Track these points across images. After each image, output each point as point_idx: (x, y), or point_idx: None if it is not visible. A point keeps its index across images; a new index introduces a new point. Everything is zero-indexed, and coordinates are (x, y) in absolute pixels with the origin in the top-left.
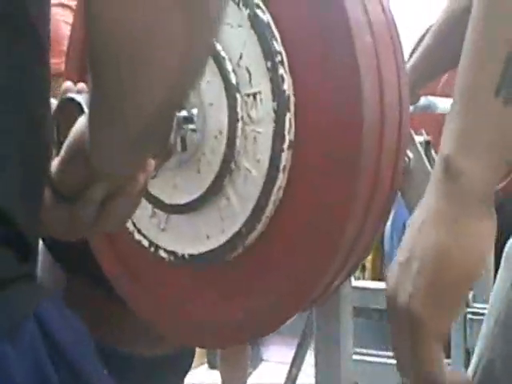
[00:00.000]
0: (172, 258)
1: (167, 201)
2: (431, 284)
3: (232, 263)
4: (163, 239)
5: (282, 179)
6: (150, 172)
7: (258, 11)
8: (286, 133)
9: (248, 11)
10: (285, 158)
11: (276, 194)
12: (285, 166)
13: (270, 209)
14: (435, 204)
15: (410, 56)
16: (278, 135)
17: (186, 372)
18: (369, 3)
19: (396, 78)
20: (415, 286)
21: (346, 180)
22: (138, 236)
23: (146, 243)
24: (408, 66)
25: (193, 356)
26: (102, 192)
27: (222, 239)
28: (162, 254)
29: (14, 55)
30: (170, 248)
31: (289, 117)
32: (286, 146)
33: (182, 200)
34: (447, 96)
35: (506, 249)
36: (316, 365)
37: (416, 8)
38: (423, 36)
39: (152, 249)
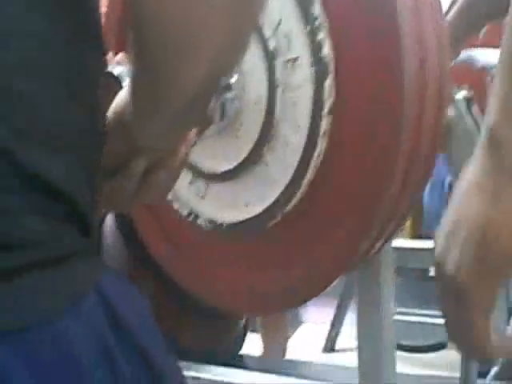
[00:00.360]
0: (211, 226)
1: (206, 169)
2: (478, 254)
3: (271, 232)
4: (202, 207)
5: (321, 145)
6: (191, 144)
7: None
8: (326, 98)
9: None
10: (325, 123)
11: (316, 160)
12: (325, 132)
13: (309, 175)
14: (479, 173)
15: (449, 10)
16: (317, 101)
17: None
18: None
19: (435, 37)
20: (462, 255)
21: (386, 145)
22: (176, 205)
23: (185, 212)
24: (447, 20)
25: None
26: (144, 165)
27: (261, 207)
28: (201, 222)
29: (72, 43)
30: (208, 216)
31: (328, 82)
32: (325, 111)
33: (221, 168)
34: (489, 46)
35: None
36: (358, 326)
37: None
38: None
39: (191, 217)
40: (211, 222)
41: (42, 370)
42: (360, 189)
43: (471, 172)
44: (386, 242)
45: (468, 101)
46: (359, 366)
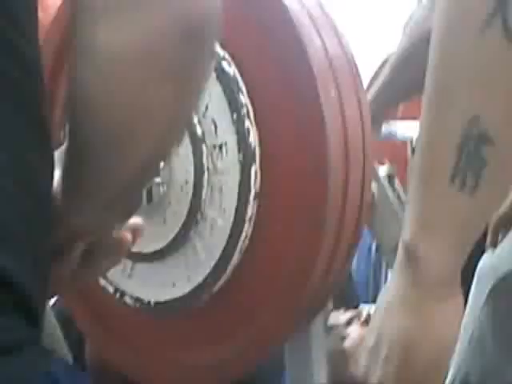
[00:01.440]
0: (138, 304)
1: (133, 249)
2: (399, 371)
3: (198, 310)
4: (129, 286)
5: (247, 229)
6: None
7: (224, 63)
8: (252, 184)
9: (214, 64)
10: (251, 208)
11: (242, 243)
12: (251, 216)
13: (235, 258)
14: (399, 288)
15: (369, 86)
16: (244, 186)
17: None
18: (331, 48)
19: (360, 129)
20: (384, 372)
21: (312, 227)
22: (103, 282)
23: (111, 289)
24: (368, 95)
25: None
26: (81, 248)
27: (188, 287)
28: (128, 300)
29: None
30: (135, 294)
31: (254, 168)
32: (251, 196)
33: (148, 249)
34: (408, 118)
35: (478, 268)
36: None
37: (372, 39)
38: (379, 70)
39: (118, 295)
40: (138, 300)
41: None
42: (283, 274)
43: (391, 288)
44: (314, 316)
45: (390, 177)
46: None
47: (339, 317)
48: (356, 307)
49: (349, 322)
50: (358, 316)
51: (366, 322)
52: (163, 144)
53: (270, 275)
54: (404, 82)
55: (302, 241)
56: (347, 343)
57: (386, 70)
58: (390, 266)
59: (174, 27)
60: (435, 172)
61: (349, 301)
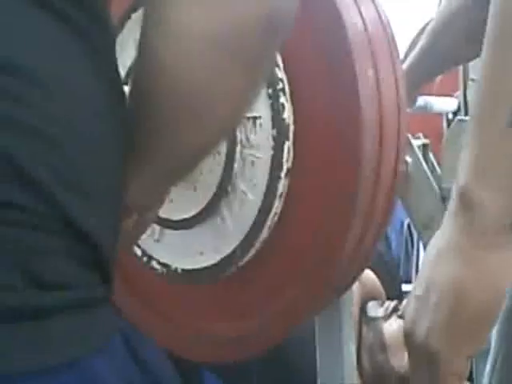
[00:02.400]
0: (165, 270)
1: (162, 214)
2: (449, 320)
3: (225, 282)
4: (157, 251)
5: (277, 205)
6: None
7: None
8: (285, 160)
9: None
10: (282, 185)
11: (271, 219)
12: (281, 193)
13: (264, 233)
14: (451, 236)
15: (405, 57)
16: (276, 162)
17: None
18: (370, 24)
19: (396, 108)
20: (433, 321)
21: (341, 211)
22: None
23: (139, 252)
24: (403, 67)
25: None
26: (133, 220)
27: (216, 258)
28: (155, 265)
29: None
30: (163, 260)
31: (288, 145)
32: (283, 173)
33: (177, 216)
34: (443, 95)
35: None
36: (319, 373)
37: (409, 8)
38: (417, 38)
39: (145, 259)
40: (165, 265)
41: None
42: (312, 251)
43: (442, 235)
44: (344, 291)
45: (424, 147)
46: None
47: (378, 309)
48: (399, 292)
49: (388, 316)
50: (396, 308)
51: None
52: (227, 124)
53: (299, 252)
54: (441, 52)
55: (332, 219)
56: (387, 336)
57: (424, 39)
58: (422, 241)
59: (260, 20)
60: (494, 115)
61: (390, 286)
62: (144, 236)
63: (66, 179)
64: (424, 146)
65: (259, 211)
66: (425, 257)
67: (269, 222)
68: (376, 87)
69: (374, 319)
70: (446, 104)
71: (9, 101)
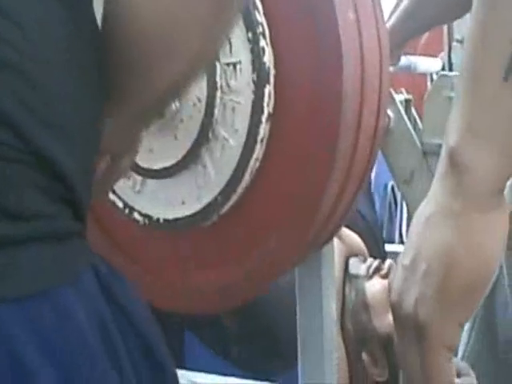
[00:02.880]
0: (147, 221)
1: (143, 164)
2: (439, 289)
3: (206, 230)
4: (138, 202)
5: (259, 150)
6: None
7: None
8: (265, 105)
9: None
10: (263, 129)
11: (253, 165)
12: (263, 138)
13: (246, 179)
14: (441, 199)
15: (390, 16)
16: (256, 107)
17: None
18: None
19: (377, 47)
20: (422, 290)
21: (324, 152)
22: (112, 196)
23: (120, 204)
24: (388, 25)
25: None
26: (107, 161)
27: (198, 206)
28: (137, 216)
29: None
30: (144, 211)
31: (268, 89)
32: (264, 118)
33: (158, 165)
34: (428, 55)
35: None
36: (299, 327)
37: None
38: None
39: (126, 210)
40: (147, 216)
41: (43, 334)
42: (296, 196)
43: (432, 198)
44: (324, 243)
45: (407, 102)
46: (300, 367)
47: (360, 266)
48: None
49: (371, 275)
50: (379, 267)
51: (387, 275)
52: (197, 61)
53: (281, 198)
54: (425, 12)
55: (313, 164)
56: (369, 296)
57: (405, 1)
58: (403, 197)
59: None
60: (486, 71)
61: (373, 247)
62: (125, 187)
63: (40, 115)
64: (406, 101)
65: (240, 157)
66: (412, 223)
67: (250, 168)
68: (357, 30)
69: (357, 277)
70: (430, 64)
71: None
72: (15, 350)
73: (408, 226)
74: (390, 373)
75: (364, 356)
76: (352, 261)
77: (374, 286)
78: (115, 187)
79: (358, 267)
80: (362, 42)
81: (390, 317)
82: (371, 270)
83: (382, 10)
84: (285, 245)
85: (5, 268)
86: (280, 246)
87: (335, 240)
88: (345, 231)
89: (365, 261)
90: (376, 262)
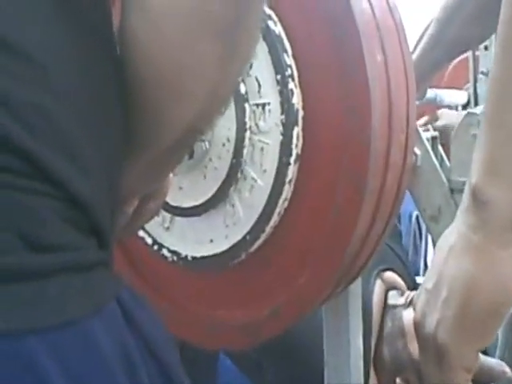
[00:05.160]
0: (175, 257)
1: (172, 202)
2: (458, 313)
3: (235, 269)
4: (167, 239)
5: (287, 191)
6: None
7: (270, 22)
8: (294, 146)
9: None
10: (291, 170)
11: (281, 205)
12: (291, 179)
13: (274, 219)
14: (463, 231)
15: (415, 48)
16: (285, 148)
17: None
18: (379, 12)
19: (405, 87)
20: (442, 314)
21: (351, 197)
22: (141, 233)
23: (149, 241)
24: (413, 57)
25: None
26: (134, 205)
27: (226, 245)
28: (166, 252)
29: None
30: (173, 248)
31: (297, 131)
32: (292, 159)
33: (187, 203)
34: (453, 88)
35: None
36: (326, 364)
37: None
38: (426, 29)
39: (155, 247)
40: (175, 253)
41: (70, 365)
42: (323, 236)
43: (455, 230)
44: (352, 281)
45: (433, 139)
46: None
47: (398, 298)
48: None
49: (408, 305)
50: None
51: None
52: (209, 106)
53: (309, 237)
54: (449, 38)
55: (342, 204)
56: (406, 322)
57: (431, 28)
58: (430, 233)
59: None
60: (506, 114)
61: (405, 279)
62: (155, 224)
63: (54, 145)
64: (433, 138)
65: (269, 197)
66: (436, 250)
67: (278, 208)
68: (385, 71)
69: (395, 307)
70: (455, 97)
71: (5, 77)
72: (43, 380)
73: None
74: None
75: (398, 383)
76: (391, 293)
77: (411, 314)
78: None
79: (396, 298)
80: (390, 83)
81: None
82: (408, 300)
83: (408, 48)
84: (313, 282)
85: (33, 300)
86: (309, 283)
87: None
88: None
89: (403, 294)
90: (413, 293)
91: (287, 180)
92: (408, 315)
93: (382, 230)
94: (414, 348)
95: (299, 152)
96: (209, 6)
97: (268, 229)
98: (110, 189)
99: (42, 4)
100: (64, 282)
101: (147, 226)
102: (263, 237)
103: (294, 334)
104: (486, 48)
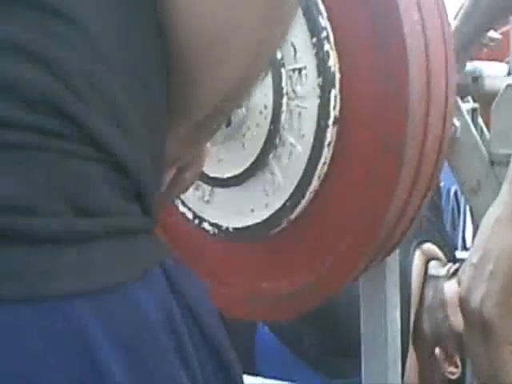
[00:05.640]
0: (216, 230)
1: (212, 174)
2: (505, 287)
3: (276, 237)
4: (207, 211)
5: (326, 155)
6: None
7: None
8: (331, 109)
9: None
10: (330, 133)
11: (321, 169)
12: (330, 142)
13: (314, 184)
14: (508, 202)
15: (454, 17)
16: (323, 111)
17: None
18: None
19: (442, 46)
20: (488, 288)
21: (391, 156)
22: (182, 208)
23: (190, 215)
24: (453, 27)
25: None
26: (172, 172)
27: (267, 213)
28: (207, 226)
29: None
30: (214, 220)
31: (334, 93)
32: (331, 121)
33: (227, 174)
34: (494, 60)
35: None
36: (363, 336)
37: None
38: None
39: (196, 221)
40: (216, 226)
41: (116, 331)
42: (364, 199)
43: (501, 202)
44: (391, 250)
45: (473, 111)
46: (364, 375)
47: (440, 269)
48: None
49: (450, 276)
50: (458, 270)
51: None
52: (249, 71)
53: (350, 201)
54: (487, 2)
55: (381, 167)
56: (447, 294)
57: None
58: (469, 206)
59: None
60: None
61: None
62: (195, 198)
63: (101, 110)
64: (473, 110)
65: (308, 161)
66: (481, 225)
67: (318, 172)
68: (422, 32)
69: (436, 277)
70: (495, 69)
71: (53, 40)
72: (91, 347)
73: (473, 233)
74: (462, 370)
75: (438, 353)
76: (432, 264)
77: (453, 286)
78: (185, 198)
79: (437, 269)
80: (428, 45)
81: None
82: (451, 271)
83: (446, 11)
84: (353, 248)
85: (79, 263)
86: (349, 249)
87: None
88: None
89: (445, 265)
90: (455, 266)
91: (326, 143)
92: (449, 287)
93: (422, 197)
94: (455, 319)
95: (337, 115)
96: None
97: (308, 194)
98: (154, 156)
99: None
100: (109, 247)
101: (187, 201)
102: (303, 203)
103: (333, 303)
104: None
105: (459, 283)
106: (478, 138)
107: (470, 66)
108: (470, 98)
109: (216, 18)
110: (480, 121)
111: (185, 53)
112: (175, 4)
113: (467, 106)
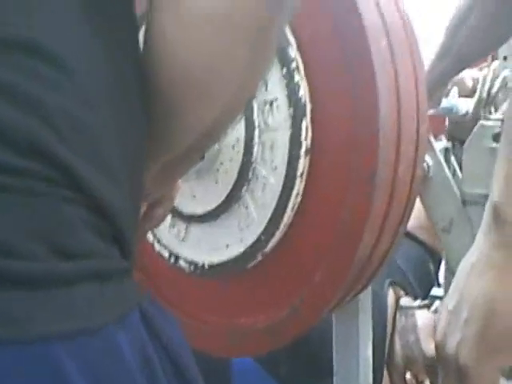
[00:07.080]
0: (192, 268)
1: (186, 211)
2: (479, 334)
3: (252, 271)
4: (183, 249)
5: (299, 185)
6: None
7: None
8: (303, 139)
9: None
10: (302, 164)
11: (294, 200)
12: (302, 173)
13: (288, 215)
14: (484, 250)
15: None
16: (294, 141)
17: None
18: (384, 6)
19: (413, 83)
20: (463, 335)
21: (362, 188)
22: (158, 247)
23: (166, 254)
24: (427, 67)
25: None
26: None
27: (242, 248)
28: (183, 263)
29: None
30: (190, 258)
31: (305, 123)
32: (302, 152)
33: (201, 210)
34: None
35: None
36: (335, 372)
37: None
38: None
39: (172, 259)
40: (192, 263)
41: (93, 372)
42: (336, 231)
43: (476, 250)
44: (366, 284)
45: (446, 150)
46: None
47: (411, 302)
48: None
49: (421, 307)
50: (429, 305)
51: (436, 312)
52: (234, 105)
53: (323, 233)
54: (456, 48)
55: (353, 197)
56: (418, 318)
57: (443, 37)
58: (442, 244)
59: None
60: None
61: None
62: (170, 237)
63: (88, 156)
64: (446, 149)
65: (281, 193)
66: (457, 271)
67: (291, 204)
68: (390, 59)
69: (408, 307)
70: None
71: (37, 83)
72: None
73: (445, 271)
74: None
75: (408, 378)
76: (403, 299)
77: (425, 313)
78: (160, 237)
79: (410, 302)
80: (397, 72)
81: None
82: (422, 304)
83: (414, 36)
84: (329, 278)
85: (58, 306)
86: (324, 279)
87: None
88: None
89: (415, 300)
90: (425, 302)
91: (298, 174)
92: (421, 314)
93: (398, 223)
94: (425, 344)
95: (309, 145)
96: (243, 12)
97: (282, 227)
98: (133, 195)
99: (69, 7)
100: (89, 290)
101: (163, 240)
102: (278, 235)
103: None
104: (505, 58)
105: (436, 326)
106: (450, 177)
107: (446, 102)
108: (442, 136)
109: (203, 59)
110: (453, 160)
111: (167, 90)
112: (163, 44)
113: (440, 144)
